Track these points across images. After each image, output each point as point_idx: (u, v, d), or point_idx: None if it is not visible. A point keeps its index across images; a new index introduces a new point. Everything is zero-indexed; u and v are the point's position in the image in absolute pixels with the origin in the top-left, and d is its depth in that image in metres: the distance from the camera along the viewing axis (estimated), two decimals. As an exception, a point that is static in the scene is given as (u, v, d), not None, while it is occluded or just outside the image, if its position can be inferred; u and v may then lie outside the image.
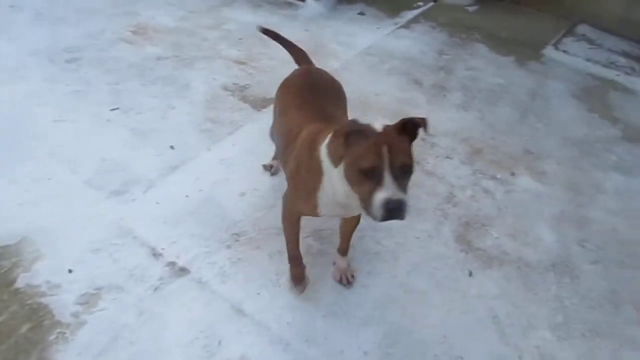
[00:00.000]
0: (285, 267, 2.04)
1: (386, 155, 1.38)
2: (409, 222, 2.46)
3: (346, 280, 2.12)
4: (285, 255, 2.01)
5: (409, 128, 1.47)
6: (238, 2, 4.48)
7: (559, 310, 2.17)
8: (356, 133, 1.43)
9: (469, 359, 1.92)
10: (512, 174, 2.88)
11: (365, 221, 1.96)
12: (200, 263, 2.09)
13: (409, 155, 1.44)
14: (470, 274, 2.27)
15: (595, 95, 3.77)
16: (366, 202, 1.42)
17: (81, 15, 3.83)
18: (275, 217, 2.33)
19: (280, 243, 2.04)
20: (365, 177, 1.41)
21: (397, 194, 1.37)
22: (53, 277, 1.95)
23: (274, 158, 2.57)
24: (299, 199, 1.76)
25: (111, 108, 2.87)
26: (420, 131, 1.49)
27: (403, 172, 1.41)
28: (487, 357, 1.94)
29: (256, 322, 1.91)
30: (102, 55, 3.37)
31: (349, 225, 2.03)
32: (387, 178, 1.38)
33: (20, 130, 2.64)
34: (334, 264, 2.15)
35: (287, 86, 2.12)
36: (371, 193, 1.40)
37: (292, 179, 1.82)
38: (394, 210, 1.38)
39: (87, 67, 3.22)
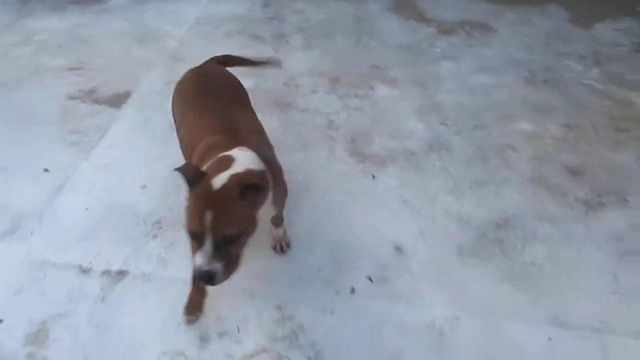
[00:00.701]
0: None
1: (208, 222, 1.31)
2: (307, 156, 2.67)
3: (280, 248, 2.11)
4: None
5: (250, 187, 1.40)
6: (37, 11, 4.08)
7: (448, 177, 2.59)
8: (193, 184, 1.38)
9: (400, 237, 2.23)
10: (371, 88, 3.23)
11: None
12: (135, 261, 2.06)
13: (236, 223, 1.37)
14: (374, 177, 2.57)
15: (406, 5, 4.30)
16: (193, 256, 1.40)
17: None
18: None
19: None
20: (191, 235, 1.38)
21: (209, 265, 1.33)
22: (-17, 335, 1.77)
23: None
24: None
25: (-48, 155, 2.53)
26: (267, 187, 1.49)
27: (225, 241, 1.35)
28: (412, 231, 2.27)
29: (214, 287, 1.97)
30: None
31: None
32: (207, 245, 1.34)
33: None
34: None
35: (181, 91, 1.95)
36: (194, 252, 1.38)
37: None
38: (203, 279, 1.36)
39: None
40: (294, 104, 3.04)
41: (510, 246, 2.25)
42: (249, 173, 1.44)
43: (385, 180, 2.55)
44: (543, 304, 2.01)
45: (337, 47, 3.67)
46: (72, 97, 3.01)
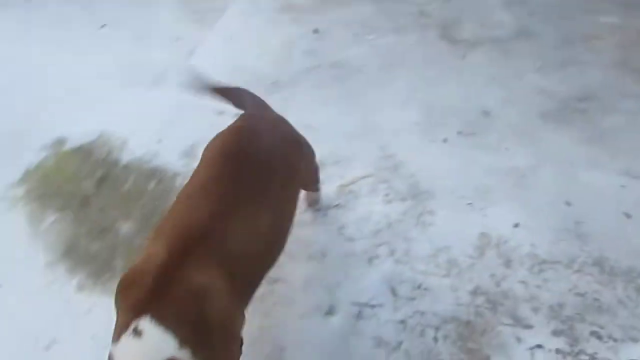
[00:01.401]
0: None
1: None
2: (400, 38, 2.92)
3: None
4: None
5: None
6: None
7: (534, 59, 2.76)
8: None
9: (488, 104, 2.48)
10: (460, -15, 3.40)
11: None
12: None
13: None
14: (464, 57, 2.80)
15: None
16: None
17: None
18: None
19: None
20: None
21: None
22: (149, 148, 2.24)
23: None
24: None
25: (100, 26, 3.00)
26: None
27: None
28: (499, 100, 2.50)
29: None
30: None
31: None
32: None
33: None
34: None
35: (204, 154, 1.48)
36: None
37: None
38: None
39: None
40: (392, -5, 3.28)
41: (591, 115, 2.45)
42: None
43: (474, 60, 2.78)
44: (618, 160, 2.23)
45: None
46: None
